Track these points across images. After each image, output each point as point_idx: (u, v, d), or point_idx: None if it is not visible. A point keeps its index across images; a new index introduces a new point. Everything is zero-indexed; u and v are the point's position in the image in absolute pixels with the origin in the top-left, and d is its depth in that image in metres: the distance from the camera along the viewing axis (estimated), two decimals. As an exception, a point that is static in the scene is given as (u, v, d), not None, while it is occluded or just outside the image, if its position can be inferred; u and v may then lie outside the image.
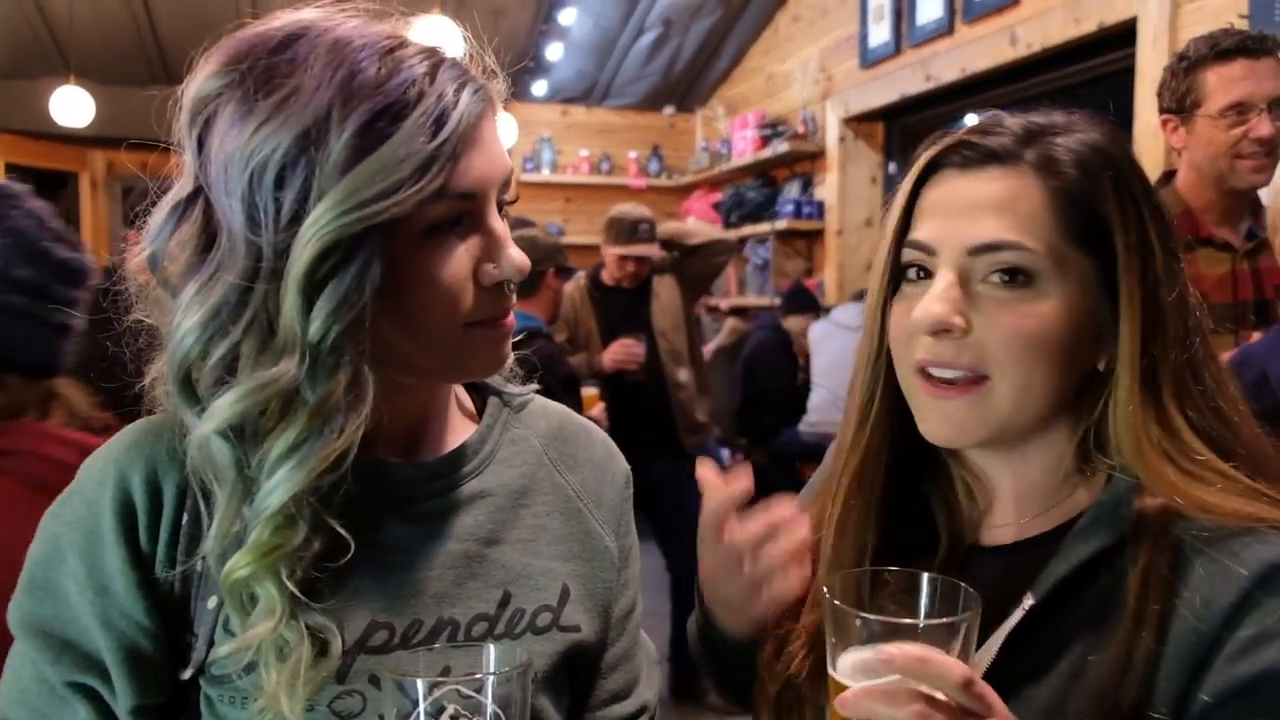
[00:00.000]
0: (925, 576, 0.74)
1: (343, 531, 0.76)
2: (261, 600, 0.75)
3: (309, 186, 0.72)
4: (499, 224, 0.80)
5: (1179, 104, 2.04)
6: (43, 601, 0.80)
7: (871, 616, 0.68)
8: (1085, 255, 0.81)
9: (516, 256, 0.80)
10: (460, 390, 0.97)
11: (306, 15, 0.78)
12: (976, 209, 0.81)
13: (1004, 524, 0.90)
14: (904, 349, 0.85)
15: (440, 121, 0.73)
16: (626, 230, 3.84)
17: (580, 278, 4.04)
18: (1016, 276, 0.80)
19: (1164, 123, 2.08)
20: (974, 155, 0.83)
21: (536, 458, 0.95)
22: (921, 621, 0.68)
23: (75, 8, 5.36)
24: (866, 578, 0.76)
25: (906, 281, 0.86)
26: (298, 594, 0.75)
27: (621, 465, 1.03)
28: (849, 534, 0.88)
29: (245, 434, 0.76)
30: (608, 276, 4.00)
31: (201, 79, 0.77)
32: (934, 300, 0.81)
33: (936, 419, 0.84)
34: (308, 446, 0.74)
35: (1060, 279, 0.80)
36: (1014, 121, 0.85)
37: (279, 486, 0.74)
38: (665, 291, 4.01)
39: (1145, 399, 0.81)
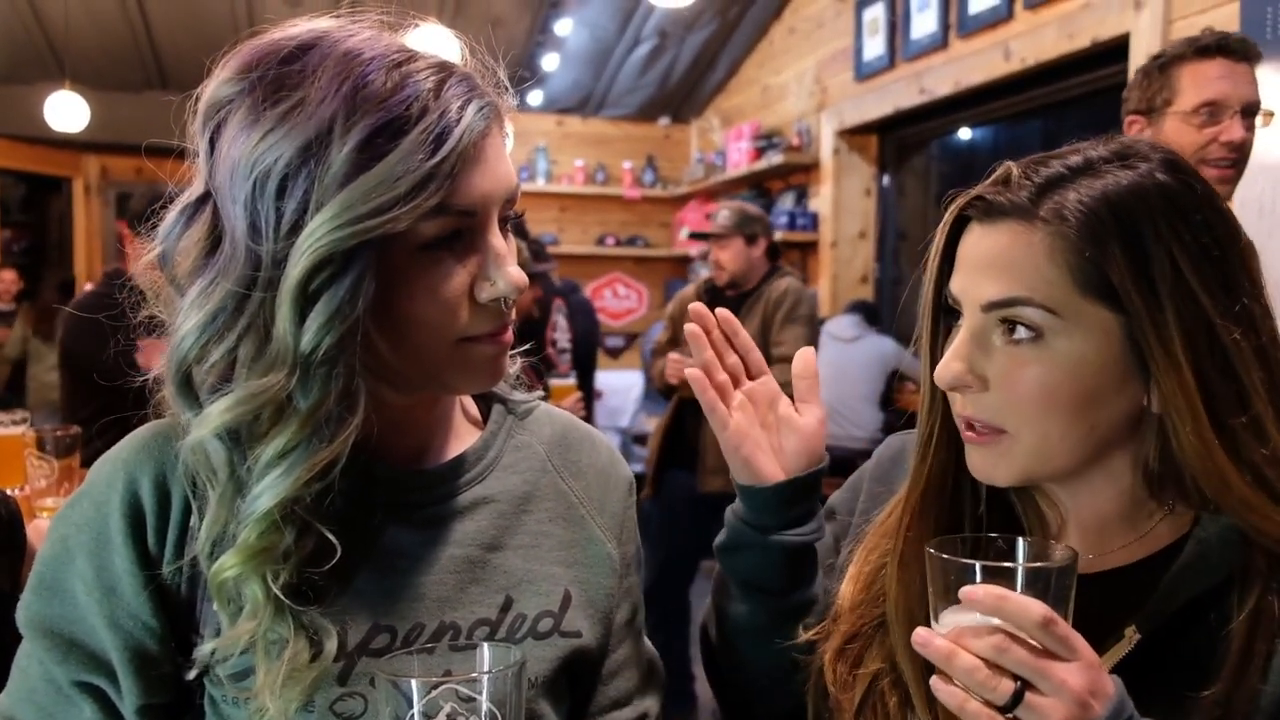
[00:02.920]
0: (1021, 540, 0.76)
1: (330, 536, 0.77)
2: (247, 601, 0.76)
3: (309, 198, 0.72)
4: (499, 241, 0.80)
5: (1149, 104, 1.96)
6: (51, 602, 0.81)
7: (967, 561, 0.71)
8: (1104, 306, 0.79)
9: (514, 274, 0.80)
10: (466, 398, 0.97)
11: (322, 25, 0.79)
12: (989, 265, 0.82)
13: (1082, 556, 0.88)
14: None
15: (441, 139, 0.73)
16: (712, 217, 3.77)
17: (701, 280, 3.95)
18: (1024, 331, 0.81)
19: (1129, 125, 2.00)
20: (983, 207, 0.84)
21: (540, 464, 0.96)
22: (1018, 565, 0.71)
23: (71, 13, 5.36)
24: (966, 543, 0.78)
25: (954, 324, 0.88)
26: (281, 596, 0.75)
27: (624, 472, 1.03)
28: (912, 565, 0.87)
29: (241, 437, 0.77)
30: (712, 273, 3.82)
31: (216, 84, 0.77)
32: (951, 358, 0.83)
33: (974, 461, 0.86)
34: (297, 454, 0.75)
35: (1072, 333, 0.79)
36: (1036, 173, 0.83)
37: (266, 491, 0.75)
38: (751, 316, 3.66)
39: (1230, 435, 0.79)
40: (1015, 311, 0.80)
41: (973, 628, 0.68)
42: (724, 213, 3.72)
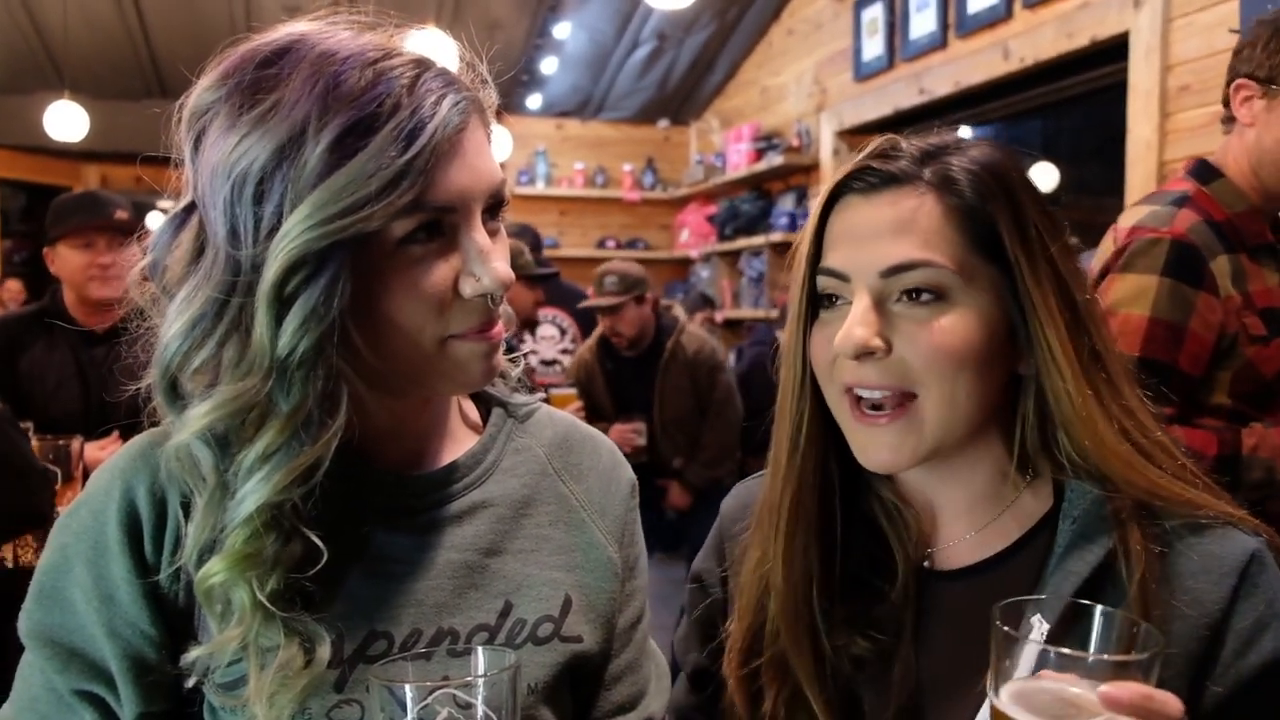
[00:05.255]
0: (1098, 609, 0.71)
1: (317, 541, 0.76)
2: (234, 607, 0.75)
3: (285, 200, 0.72)
4: (483, 236, 0.79)
5: (1269, 74, 1.66)
6: (51, 611, 0.81)
7: (1053, 648, 0.66)
8: (991, 266, 0.83)
9: (500, 269, 0.79)
10: (465, 401, 0.97)
11: (300, 28, 0.78)
12: (882, 232, 0.83)
13: (955, 542, 0.90)
14: (829, 373, 0.87)
15: (414, 135, 0.72)
16: (596, 282, 3.76)
17: (593, 345, 3.91)
18: (928, 293, 0.82)
19: (1236, 89, 1.71)
20: (875, 180, 0.85)
21: (540, 467, 0.95)
22: (1111, 656, 0.67)
23: (70, 22, 5.37)
24: (1030, 606, 0.73)
25: (823, 308, 0.88)
26: (267, 604, 0.75)
27: (627, 474, 1.02)
28: (794, 563, 0.88)
29: (228, 442, 0.77)
30: (610, 339, 3.87)
31: (198, 92, 0.77)
32: (854, 325, 0.82)
33: (872, 446, 0.85)
34: (279, 457, 0.75)
35: (970, 290, 0.83)
36: (912, 144, 0.87)
37: (250, 495, 0.74)
38: (675, 378, 3.81)
39: (1095, 389, 0.83)
40: (920, 275, 0.82)
41: None
42: (610, 279, 3.70)
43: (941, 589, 0.88)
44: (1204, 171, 1.76)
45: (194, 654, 0.77)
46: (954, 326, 0.82)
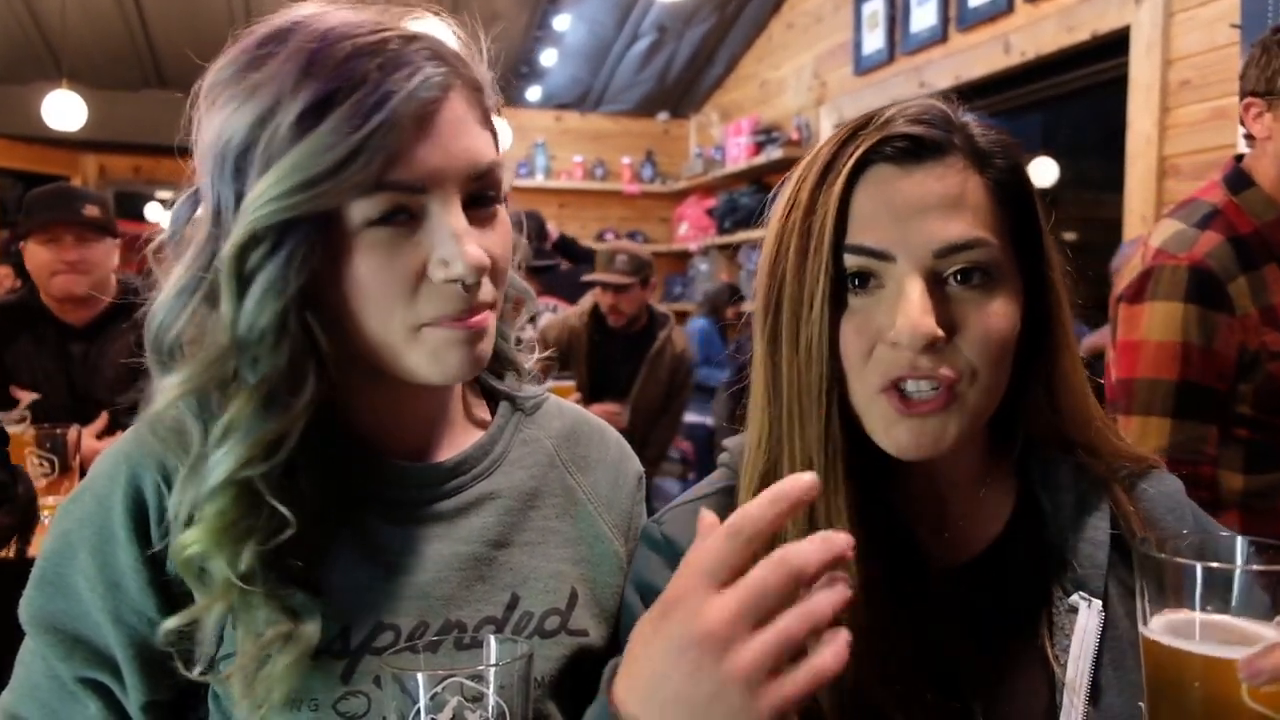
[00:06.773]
0: (1239, 538, 0.67)
1: (287, 513, 0.74)
2: (212, 577, 0.75)
3: (258, 174, 0.72)
4: (458, 219, 0.75)
5: (1268, 86, 1.69)
6: (54, 598, 0.80)
7: (1217, 565, 0.63)
8: (1017, 242, 0.80)
9: (472, 254, 0.74)
10: (472, 394, 0.96)
11: (305, 10, 0.78)
12: (930, 207, 0.76)
13: (950, 533, 0.86)
14: (864, 366, 0.78)
15: (375, 109, 0.69)
16: (605, 259, 3.80)
17: (584, 313, 3.91)
18: (981, 274, 0.77)
19: (1246, 107, 1.74)
20: (907, 147, 0.78)
21: (548, 459, 0.94)
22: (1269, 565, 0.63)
23: (68, 11, 5.35)
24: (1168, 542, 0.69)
25: (853, 294, 0.78)
26: (244, 574, 0.74)
27: (634, 466, 1.01)
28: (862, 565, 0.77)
29: (213, 415, 0.77)
30: (606, 314, 3.89)
31: (209, 74, 0.78)
32: (919, 313, 0.74)
33: (910, 434, 0.77)
34: (243, 429, 0.74)
35: (1009, 269, 0.79)
36: (931, 108, 0.80)
37: (217, 465, 0.74)
38: (659, 370, 3.88)
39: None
40: (976, 254, 0.76)
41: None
42: (621, 258, 3.74)
43: (957, 586, 0.84)
44: (1236, 179, 1.76)
45: (171, 623, 0.76)
46: (1004, 309, 0.77)
